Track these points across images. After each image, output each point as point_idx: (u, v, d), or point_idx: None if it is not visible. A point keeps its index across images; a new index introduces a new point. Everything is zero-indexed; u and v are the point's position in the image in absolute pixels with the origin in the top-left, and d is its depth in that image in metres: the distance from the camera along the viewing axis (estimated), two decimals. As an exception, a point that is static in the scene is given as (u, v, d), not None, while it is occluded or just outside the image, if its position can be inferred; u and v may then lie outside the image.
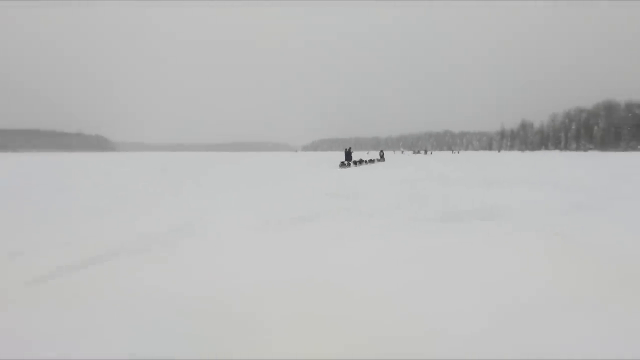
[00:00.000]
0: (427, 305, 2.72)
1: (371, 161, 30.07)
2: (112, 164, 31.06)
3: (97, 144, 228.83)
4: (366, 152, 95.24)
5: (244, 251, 4.24)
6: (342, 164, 23.12)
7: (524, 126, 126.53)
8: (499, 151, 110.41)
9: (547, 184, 11.05)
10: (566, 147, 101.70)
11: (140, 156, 62.59)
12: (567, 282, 3.13)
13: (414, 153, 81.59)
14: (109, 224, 5.95)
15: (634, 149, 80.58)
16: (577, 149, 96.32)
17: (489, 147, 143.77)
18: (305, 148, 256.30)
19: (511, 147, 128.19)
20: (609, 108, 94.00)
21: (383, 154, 38.01)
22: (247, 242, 4.67)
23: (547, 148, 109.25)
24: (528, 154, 59.67)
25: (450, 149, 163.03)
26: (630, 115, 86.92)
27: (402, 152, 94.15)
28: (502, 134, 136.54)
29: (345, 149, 27.27)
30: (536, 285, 3.04)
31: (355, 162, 25.69)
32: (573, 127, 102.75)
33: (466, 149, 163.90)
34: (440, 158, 43.09)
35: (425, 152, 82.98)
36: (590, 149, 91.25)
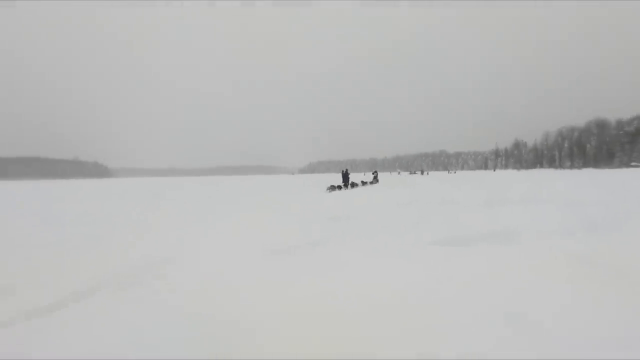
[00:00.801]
0: (452, 341, 2.38)
1: (363, 183, 28.20)
2: (108, 192, 30.61)
3: (94, 170, 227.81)
4: (363, 173, 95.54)
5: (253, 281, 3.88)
6: (332, 188, 22.04)
7: (518, 145, 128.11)
8: (494, 170, 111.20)
9: (552, 202, 10.81)
10: (560, 165, 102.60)
11: (138, 182, 62.09)
12: (609, 316, 2.81)
13: (410, 174, 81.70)
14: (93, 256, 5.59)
15: (626, 165, 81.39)
16: (572, 166, 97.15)
17: (484, 167, 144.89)
18: (302, 170, 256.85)
19: (506, 166, 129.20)
20: (601, 126, 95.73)
21: (377, 174, 35.79)
22: (255, 270, 4.31)
23: (541, 166, 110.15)
24: (524, 173, 59.96)
25: (446, 168, 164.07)
26: (621, 132, 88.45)
27: (399, 172, 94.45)
28: (497, 153, 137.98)
29: (342, 171, 27.14)
30: (573, 323, 2.71)
31: (346, 185, 24.83)
32: (566, 145, 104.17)
33: (462, 168, 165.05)
34: (437, 178, 43.07)
35: (422, 172, 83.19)
36: (585, 166, 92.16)
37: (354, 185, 25.93)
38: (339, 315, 2.93)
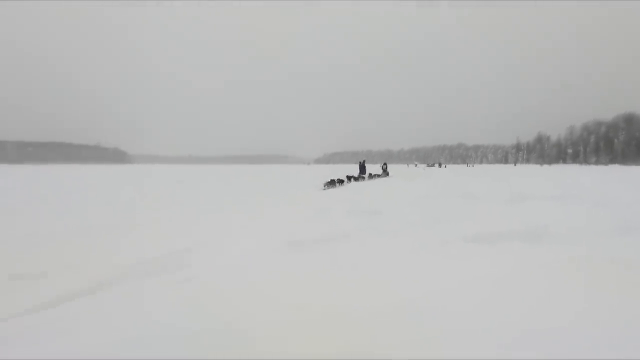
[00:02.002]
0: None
1: (371, 176, 25.24)
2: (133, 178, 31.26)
3: (115, 156, 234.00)
4: (378, 164, 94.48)
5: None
6: (332, 183, 17.53)
7: (540, 139, 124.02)
8: (515, 164, 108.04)
9: (581, 199, 10.26)
10: (585, 161, 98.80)
11: (158, 169, 63.35)
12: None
13: (427, 166, 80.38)
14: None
15: (658, 162, 77.68)
16: (597, 162, 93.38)
17: (505, 161, 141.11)
18: (317, 161, 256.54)
19: (527, 161, 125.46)
20: (629, 120, 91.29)
21: (386, 167, 31.72)
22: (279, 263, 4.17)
23: (564, 162, 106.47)
24: (547, 168, 57.94)
25: (464, 162, 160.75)
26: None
27: (416, 165, 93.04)
28: (518, 147, 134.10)
29: (360, 162, 26.80)
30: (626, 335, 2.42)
31: (363, 177, 23.86)
32: (592, 140, 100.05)
33: (480, 162, 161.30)
34: (456, 171, 42.03)
35: (439, 165, 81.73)
36: (612, 162, 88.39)
37: (372, 175, 25.40)
38: (356, 315, 2.73)
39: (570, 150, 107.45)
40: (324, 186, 16.90)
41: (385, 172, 29.50)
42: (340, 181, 18.74)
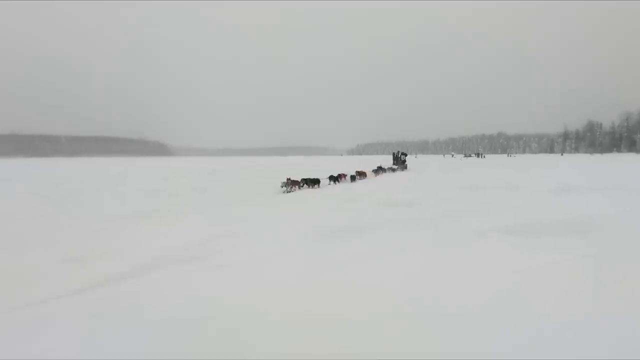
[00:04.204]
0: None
1: (378, 170, 19.63)
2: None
3: (157, 149, 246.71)
4: (414, 155, 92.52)
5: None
6: (333, 178, 14.65)
7: (592, 127, 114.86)
8: (562, 154, 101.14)
9: (638, 191, 9.57)
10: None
11: (198, 161, 65.94)
12: None
13: (465, 156, 77.47)
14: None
15: None
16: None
17: (550, 150, 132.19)
18: (351, 152, 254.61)
19: (576, 150, 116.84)
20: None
21: (404, 158, 25.49)
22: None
23: (619, 150, 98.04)
24: (598, 157, 53.78)
25: (505, 151, 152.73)
26: None
27: (452, 155, 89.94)
28: (565, 136, 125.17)
29: (394, 153, 26.40)
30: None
31: (334, 178, 14.75)
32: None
33: (523, 151, 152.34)
34: (497, 162, 40.16)
35: (478, 155, 78.42)
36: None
37: (378, 170, 19.55)
38: (393, 302, 2.85)
39: (625, 138, 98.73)
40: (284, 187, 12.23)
41: (401, 165, 24.10)
42: (335, 178, 14.65)
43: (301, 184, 12.72)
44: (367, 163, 27.74)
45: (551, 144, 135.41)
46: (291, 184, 12.15)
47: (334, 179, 14.78)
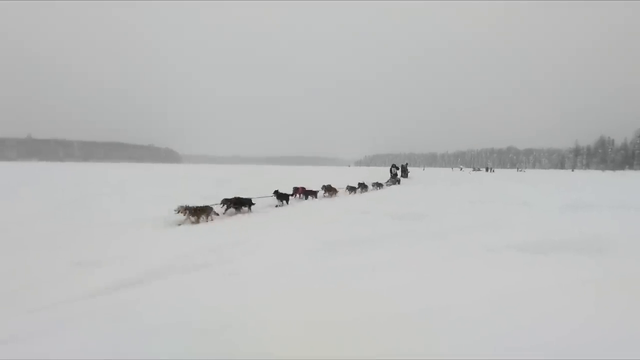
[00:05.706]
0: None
1: (377, 185, 18.22)
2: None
3: (167, 156, 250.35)
4: (422, 168, 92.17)
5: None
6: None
7: (603, 143, 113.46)
8: (572, 170, 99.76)
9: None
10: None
11: (207, 168, 66.56)
12: None
13: (473, 170, 76.87)
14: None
15: None
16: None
17: (561, 166, 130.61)
18: (358, 163, 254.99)
19: (587, 166, 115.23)
20: None
21: (406, 169, 25.11)
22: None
23: (631, 167, 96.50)
24: (610, 174, 52.80)
25: (514, 166, 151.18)
26: None
27: (461, 169, 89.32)
28: (577, 151, 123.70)
29: (402, 165, 26.35)
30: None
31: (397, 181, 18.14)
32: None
33: (533, 166, 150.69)
34: (506, 176, 39.64)
35: (487, 169, 77.72)
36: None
37: (364, 186, 16.86)
38: (399, 318, 2.82)
39: (638, 155, 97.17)
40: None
41: (394, 180, 22.37)
42: (311, 193, 12.60)
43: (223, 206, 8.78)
44: (372, 175, 27.65)
45: (562, 160, 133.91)
46: (191, 212, 7.61)
47: (284, 197, 10.89)
